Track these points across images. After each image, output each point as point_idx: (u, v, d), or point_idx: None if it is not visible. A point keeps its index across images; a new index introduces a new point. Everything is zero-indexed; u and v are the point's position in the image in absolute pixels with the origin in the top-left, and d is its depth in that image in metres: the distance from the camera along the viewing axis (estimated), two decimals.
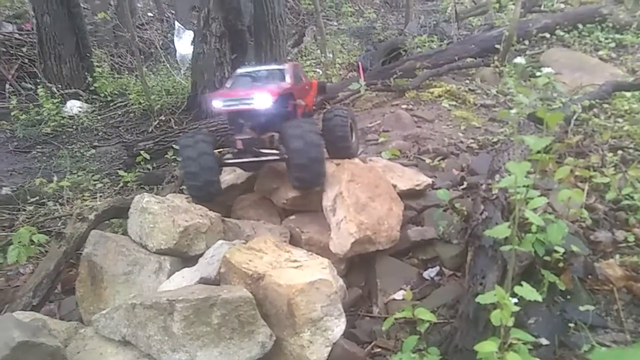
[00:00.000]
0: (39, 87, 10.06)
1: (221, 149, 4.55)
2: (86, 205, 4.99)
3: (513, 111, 2.63)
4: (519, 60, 2.83)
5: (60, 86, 10.23)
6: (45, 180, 6.30)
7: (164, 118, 9.15)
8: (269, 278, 2.79)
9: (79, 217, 3.69)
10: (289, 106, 4.19)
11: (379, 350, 3.03)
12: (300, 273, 2.82)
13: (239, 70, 4.58)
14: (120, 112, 9.86)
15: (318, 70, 9.73)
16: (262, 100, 3.69)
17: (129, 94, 10.00)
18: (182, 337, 2.59)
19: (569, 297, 3.03)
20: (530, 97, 2.70)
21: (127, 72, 12.23)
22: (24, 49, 12.96)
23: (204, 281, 3.05)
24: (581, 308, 2.90)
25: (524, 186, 2.54)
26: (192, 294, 2.66)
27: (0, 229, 5.49)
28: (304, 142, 3.61)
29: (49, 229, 4.95)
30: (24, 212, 5.93)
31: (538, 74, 2.69)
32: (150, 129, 8.87)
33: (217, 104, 3.84)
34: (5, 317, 2.63)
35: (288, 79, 4.21)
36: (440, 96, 6.32)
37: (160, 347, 2.63)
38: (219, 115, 6.10)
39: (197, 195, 3.96)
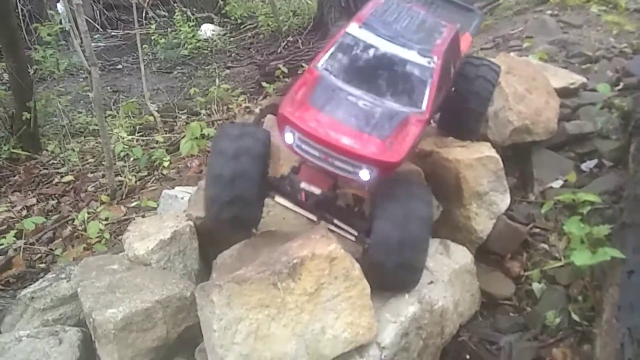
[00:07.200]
0: (175, 12, 10.73)
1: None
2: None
3: None
4: None
5: (195, 10, 10.84)
6: (198, 90, 6.89)
7: (291, 39, 9.46)
8: (436, 155, 2.97)
9: (247, 111, 4.07)
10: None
11: (537, 230, 3.16)
12: (466, 150, 2.96)
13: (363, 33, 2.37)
14: (250, 34, 10.32)
15: None
16: (367, 173, 2.11)
17: (258, 16, 10.37)
18: None
19: None
20: None
21: None
22: None
23: None
24: None
25: None
26: None
27: (163, 132, 6.18)
28: (398, 233, 2.14)
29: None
30: (180, 120, 6.59)
31: None
32: (279, 50, 9.22)
33: (289, 137, 2.20)
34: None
35: (425, 100, 2.25)
36: (588, 1, 5.93)
37: None
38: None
39: (217, 219, 2.41)
